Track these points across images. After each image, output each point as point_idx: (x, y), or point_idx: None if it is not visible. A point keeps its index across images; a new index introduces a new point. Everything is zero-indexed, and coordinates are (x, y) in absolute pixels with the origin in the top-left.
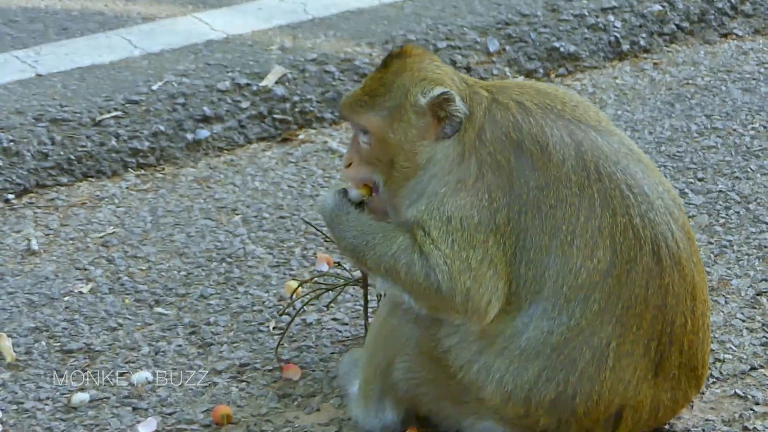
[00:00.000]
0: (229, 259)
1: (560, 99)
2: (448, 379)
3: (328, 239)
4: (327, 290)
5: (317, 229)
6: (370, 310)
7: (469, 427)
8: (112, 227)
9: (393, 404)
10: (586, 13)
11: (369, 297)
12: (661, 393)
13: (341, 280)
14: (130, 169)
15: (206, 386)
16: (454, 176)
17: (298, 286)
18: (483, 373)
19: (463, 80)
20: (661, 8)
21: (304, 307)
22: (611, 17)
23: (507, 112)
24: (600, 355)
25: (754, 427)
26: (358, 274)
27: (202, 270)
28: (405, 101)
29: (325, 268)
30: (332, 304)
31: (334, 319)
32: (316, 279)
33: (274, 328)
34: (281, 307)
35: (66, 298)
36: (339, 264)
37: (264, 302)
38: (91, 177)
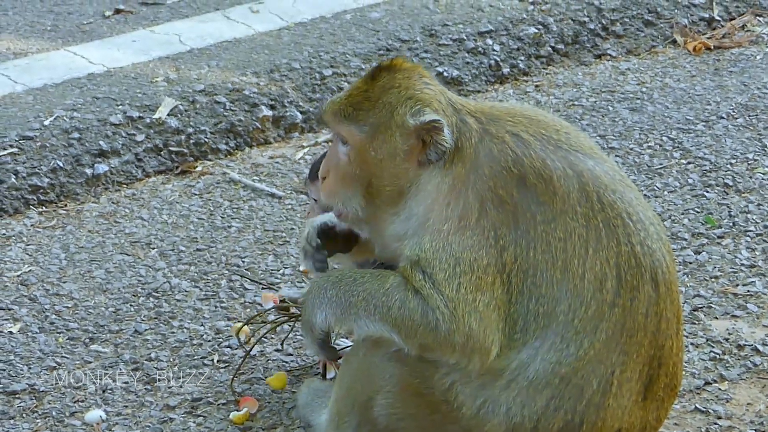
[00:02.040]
0: (155, 294)
1: (553, 127)
2: (432, 413)
3: (267, 287)
4: (285, 322)
5: (252, 280)
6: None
7: None
8: (26, 265)
9: None
10: (465, 38)
11: None
12: (649, 413)
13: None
14: (31, 207)
15: (162, 422)
16: (454, 212)
17: (244, 324)
18: (488, 408)
19: (450, 102)
20: (536, 31)
21: (254, 341)
22: (489, 41)
23: (504, 145)
24: (605, 383)
25: None
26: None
27: (131, 305)
28: (390, 120)
29: (270, 305)
30: (271, 335)
31: (278, 350)
32: (259, 317)
33: (218, 361)
34: (220, 339)
35: None
36: (284, 301)
37: (202, 336)
38: None
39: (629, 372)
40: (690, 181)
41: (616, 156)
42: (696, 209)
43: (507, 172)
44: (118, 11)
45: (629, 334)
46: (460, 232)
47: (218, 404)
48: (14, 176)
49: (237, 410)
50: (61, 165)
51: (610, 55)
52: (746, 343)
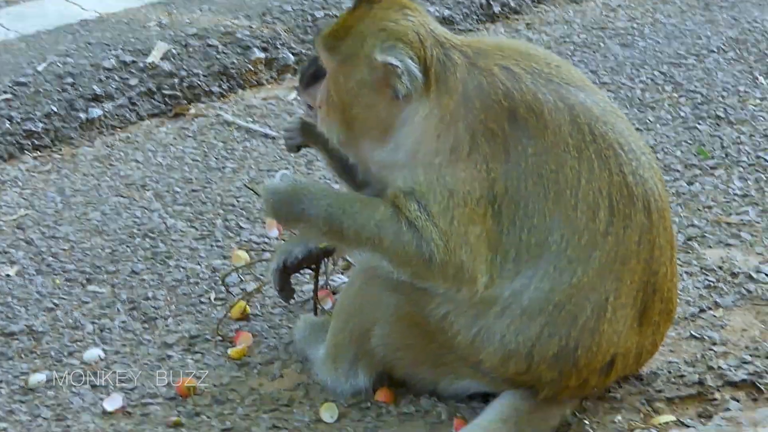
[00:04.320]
0: (151, 234)
1: (544, 60)
2: (429, 342)
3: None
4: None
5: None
6: (321, 281)
7: (445, 387)
8: (22, 209)
9: (366, 369)
10: None
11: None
12: (645, 339)
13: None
14: (26, 152)
15: (161, 360)
16: (445, 144)
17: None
18: (483, 336)
19: (432, 34)
20: None
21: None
22: None
23: (494, 78)
24: (599, 309)
25: (718, 366)
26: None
27: (127, 246)
28: (360, 50)
29: (275, 233)
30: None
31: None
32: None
33: (215, 299)
34: (217, 278)
35: None
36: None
37: (198, 274)
38: None
39: (623, 298)
40: (682, 114)
41: (608, 91)
42: (688, 141)
43: (497, 105)
44: None
45: (622, 262)
46: (452, 165)
47: (215, 341)
48: (8, 122)
49: (234, 346)
50: (55, 110)
51: None
52: (740, 271)
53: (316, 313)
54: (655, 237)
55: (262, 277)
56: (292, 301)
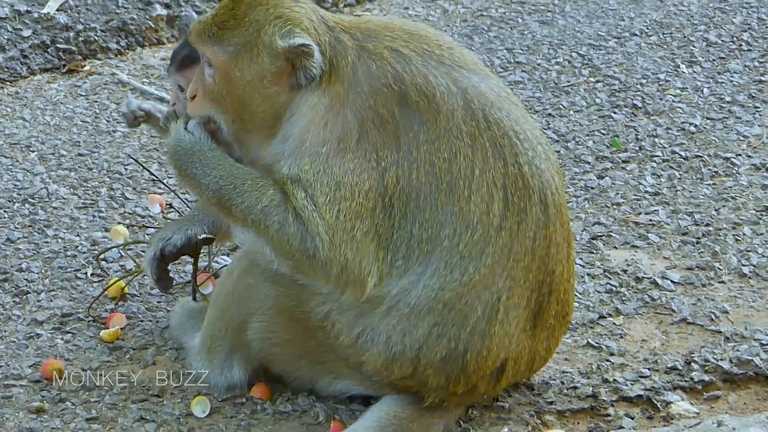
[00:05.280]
0: (32, 200)
1: (435, 42)
2: (308, 339)
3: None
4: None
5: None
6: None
7: (324, 386)
8: None
9: (242, 362)
10: None
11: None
12: (538, 343)
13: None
14: None
15: (29, 338)
16: (332, 133)
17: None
18: (366, 337)
19: (322, 20)
20: None
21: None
22: None
23: (383, 62)
24: (491, 309)
25: (614, 379)
26: None
27: (4, 212)
28: (257, 40)
29: (157, 210)
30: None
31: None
32: (146, 225)
33: (92, 275)
34: (96, 251)
35: None
36: (171, 206)
37: (77, 247)
38: None
39: (516, 298)
40: (598, 100)
41: (523, 71)
42: (602, 131)
43: (387, 89)
44: None
45: (516, 259)
46: (340, 155)
47: (88, 321)
48: None
49: (107, 328)
50: None
51: None
52: (645, 276)
53: (195, 299)
54: (551, 233)
55: (143, 254)
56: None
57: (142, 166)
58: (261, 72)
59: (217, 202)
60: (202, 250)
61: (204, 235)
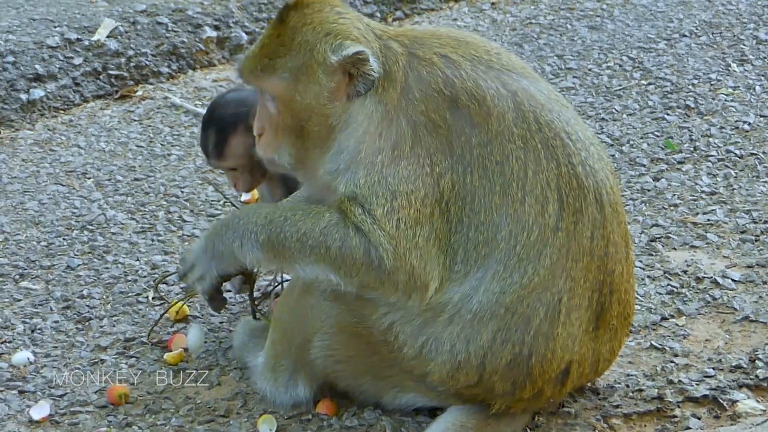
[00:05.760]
0: (90, 227)
1: (483, 48)
2: (372, 354)
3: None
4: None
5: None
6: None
7: (390, 400)
8: None
9: (306, 380)
10: None
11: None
12: (601, 345)
13: None
14: None
15: (93, 364)
16: (387, 141)
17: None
18: (430, 347)
19: (370, 29)
20: None
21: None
22: None
23: (433, 67)
24: (553, 310)
25: (679, 380)
26: None
27: (64, 239)
28: (311, 60)
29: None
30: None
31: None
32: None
33: (153, 298)
34: (156, 275)
35: None
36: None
37: (137, 271)
38: None
39: (577, 299)
40: (650, 103)
41: (574, 77)
42: (656, 133)
43: (438, 94)
44: None
45: (575, 259)
46: (394, 163)
47: (152, 344)
48: None
49: (170, 350)
50: None
51: None
52: (705, 276)
53: (255, 318)
54: (609, 233)
55: None
56: (223, 310)
57: (209, 182)
58: (320, 91)
59: (267, 237)
60: (257, 269)
61: None
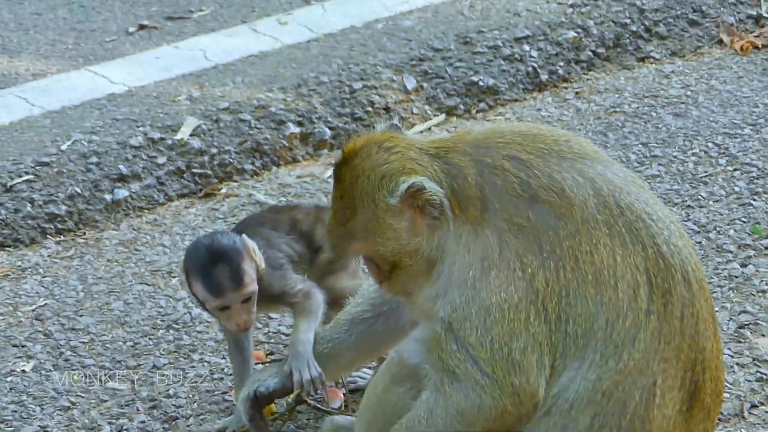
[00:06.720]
0: (175, 326)
1: (551, 138)
2: None
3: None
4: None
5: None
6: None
7: None
8: (42, 299)
9: None
10: (501, 44)
11: None
12: (695, 426)
13: None
14: (48, 236)
15: None
16: (475, 255)
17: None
18: None
19: (422, 152)
20: (575, 35)
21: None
22: (526, 47)
23: (506, 173)
24: (648, 393)
25: None
26: None
27: (150, 339)
28: (377, 210)
29: (338, 404)
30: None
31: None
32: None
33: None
34: None
35: (9, 379)
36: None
37: (223, 369)
38: (9, 247)
39: (671, 380)
40: (736, 188)
41: (659, 164)
42: (742, 219)
43: (517, 198)
44: (142, 27)
45: (667, 341)
46: (485, 275)
47: None
48: (30, 205)
49: None
50: (79, 191)
51: (653, 57)
52: None
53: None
54: (698, 310)
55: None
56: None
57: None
58: (397, 234)
59: None
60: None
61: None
